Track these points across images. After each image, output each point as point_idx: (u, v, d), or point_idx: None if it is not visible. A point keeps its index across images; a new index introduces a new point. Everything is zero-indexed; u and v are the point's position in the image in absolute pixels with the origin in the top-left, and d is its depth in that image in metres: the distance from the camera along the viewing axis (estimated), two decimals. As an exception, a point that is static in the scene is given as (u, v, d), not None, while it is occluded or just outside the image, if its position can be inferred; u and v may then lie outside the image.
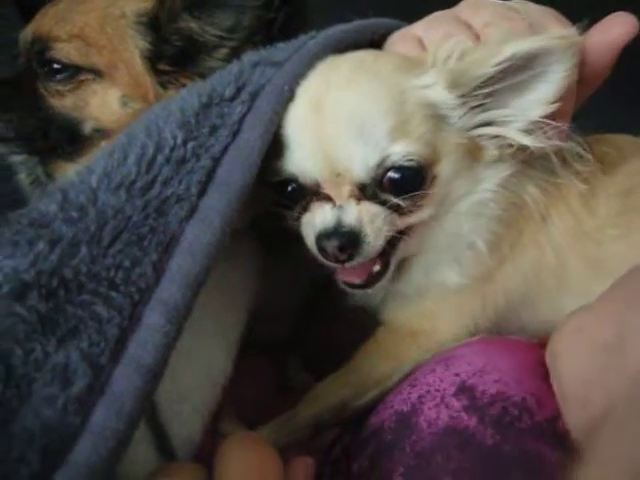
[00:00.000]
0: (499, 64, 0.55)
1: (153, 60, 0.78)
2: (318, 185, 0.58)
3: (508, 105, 0.59)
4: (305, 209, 0.60)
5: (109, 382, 0.40)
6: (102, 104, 0.79)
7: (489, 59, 0.55)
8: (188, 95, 0.55)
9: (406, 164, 0.56)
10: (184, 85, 0.77)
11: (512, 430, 0.53)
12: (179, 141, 0.50)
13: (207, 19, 0.76)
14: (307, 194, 0.60)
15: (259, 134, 0.52)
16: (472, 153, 0.60)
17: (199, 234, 0.47)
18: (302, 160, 0.58)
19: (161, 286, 0.44)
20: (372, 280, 0.62)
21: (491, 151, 0.61)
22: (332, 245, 0.57)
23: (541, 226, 0.65)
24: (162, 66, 0.78)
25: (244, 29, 0.76)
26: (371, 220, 0.57)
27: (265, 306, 0.70)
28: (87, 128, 0.80)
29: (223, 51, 0.77)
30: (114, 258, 0.45)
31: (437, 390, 0.58)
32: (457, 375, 0.58)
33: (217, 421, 0.61)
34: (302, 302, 0.83)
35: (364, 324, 0.71)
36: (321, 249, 0.58)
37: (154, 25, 0.78)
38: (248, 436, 0.56)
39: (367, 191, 0.58)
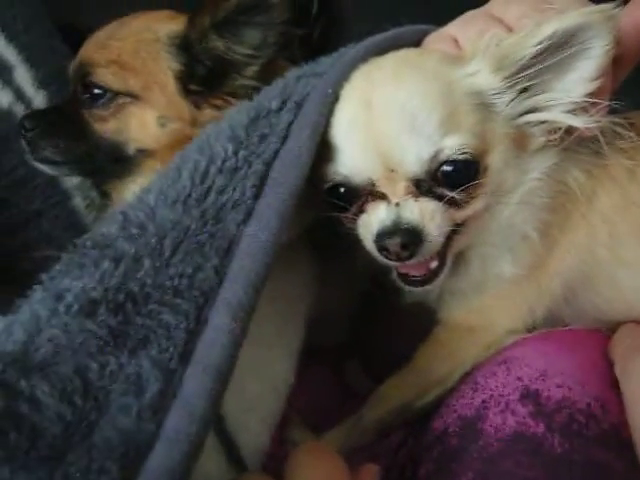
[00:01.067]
0: (540, 43, 0.56)
1: (185, 81, 0.81)
2: (372, 184, 0.59)
3: (551, 88, 0.59)
4: (361, 210, 0.61)
5: (180, 386, 0.42)
6: (141, 126, 0.82)
7: (530, 39, 0.56)
8: (237, 112, 0.57)
9: (460, 157, 0.57)
10: (216, 106, 0.81)
11: (580, 438, 0.53)
12: (230, 152, 0.52)
13: (234, 38, 0.79)
14: (361, 194, 0.60)
15: (307, 135, 0.54)
16: (519, 142, 0.61)
17: (257, 233, 0.48)
18: (354, 159, 0.59)
19: (224, 287, 0.46)
20: (431, 276, 0.62)
21: (538, 139, 0.61)
22: (394, 243, 0.57)
23: (589, 205, 0.65)
24: (193, 86, 0.81)
25: (271, 45, 0.78)
26: (432, 217, 0.57)
27: (322, 313, 0.71)
28: (131, 149, 0.83)
29: (252, 69, 0.79)
30: (177, 267, 0.47)
31: (501, 395, 0.58)
32: (520, 379, 0.58)
33: (283, 430, 0.62)
34: (357, 307, 0.83)
35: (420, 325, 0.71)
36: (382, 248, 0.58)
37: (185, 46, 0.81)
38: (316, 446, 0.57)
39: (422, 186, 0.58)
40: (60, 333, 0.44)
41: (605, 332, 0.67)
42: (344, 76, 0.59)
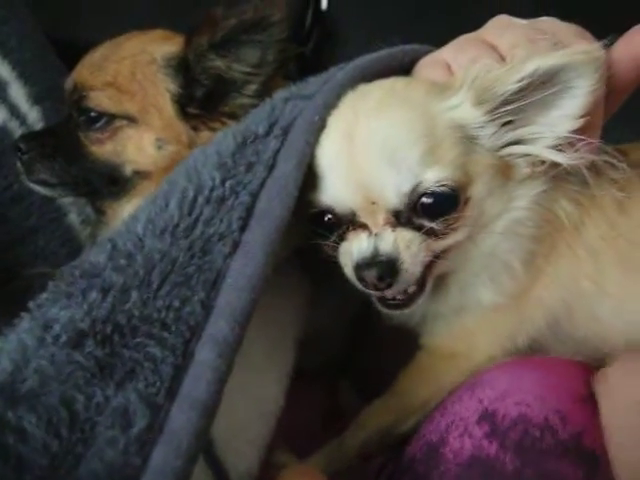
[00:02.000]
0: (521, 80, 0.56)
1: (183, 103, 0.82)
2: (354, 214, 0.60)
3: (535, 122, 0.59)
4: (342, 238, 0.62)
5: (167, 420, 0.42)
6: (138, 148, 0.82)
7: (512, 75, 0.56)
8: (224, 137, 0.57)
9: (439, 190, 0.57)
10: (214, 129, 0.81)
11: (533, 452, 0.53)
12: (217, 181, 0.53)
13: (233, 56, 0.79)
14: (343, 223, 0.61)
15: (293, 165, 0.54)
16: (504, 172, 0.61)
17: (243, 268, 0.49)
18: (337, 190, 0.60)
19: (210, 322, 0.47)
20: (408, 300, 0.63)
21: (522, 169, 0.62)
22: (371, 275, 0.58)
23: (575, 235, 0.66)
24: (192, 109, 0.82)
25: (271, 63, 0.78)
26: (407, 246, 0.58)
27: (312, 334, 0.72)
28: (127, 171, 0.83)
29: (252, 87, 0.80)
30: (164, 300, 0.47)
31: (461, 419, 0.58)
32: (480, 402, 0.59)
33: (269, 454, 0.63)
34: (349, 327, 0.84)
35: (409, 347, 0.72)
36: (360, 279, 0.59)
37: (183, 67, 0.81)
38: (303, 468, 0.57)
39: (402, 217, 0.59)
40: (47, 364, 0.44)
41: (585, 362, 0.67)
42: (331, 101, 0.59)
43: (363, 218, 0.60)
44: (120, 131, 0.82)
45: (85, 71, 0.84)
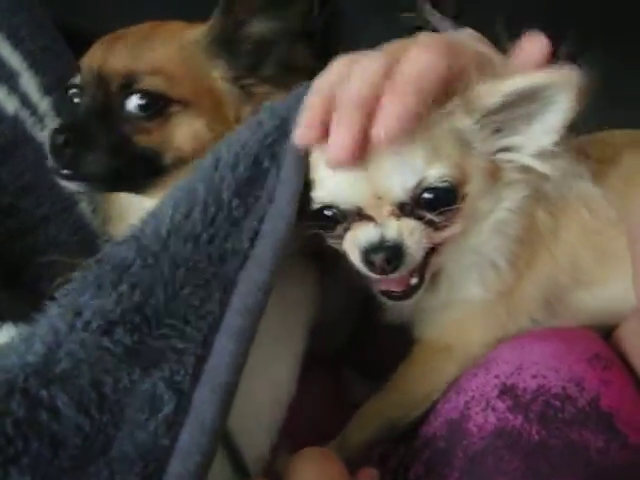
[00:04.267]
0: (506, 95, 0.64)
1: (230, 78, 0.84)
2: (359, 209, 0.66)
3: (520, 132, 0.67)
4: (347, 229, 0.68)
5: (191, 403, 0.48)
6: (188, 135, 0.82)
7: (497, 90, 0.64)
8: (235, 165, 0.62)
9: (441, 185, 0.65)
10: (263, 94, 0.83)
11: (556, 422, 0.58)
12: (234, 205, 0.59)
13: (276, 19, 0.82)
14: (348, 217, 0.67)
15: (287, 201, 0.61)
16: (494, 175, 0.69)
17: (253, 274, 0.56)
18: (343, 188, 0.66)
19: (226, 318, 0.53)
20: (410, 292, 0.69)
21: (510, 174, 0.69)
22: (380, 258, 0.64)
23: (553, 238, 0.73)
24: (241, 82, 0.83)
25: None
26: (411, 233, 0.65)
27: (322, 321, 0.76)
28: (168, 159, 0.83)
29: (298, 47, 0.83)
30: (185, 299, 0.53)
31: (482, 395, 0.63)
32: (497, 377, 0.64)
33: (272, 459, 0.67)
34: (355, 314, 0.88)
35: (407, 342, 0.78)
36: (368, 262, 0.65)
37: (225, 42, 0.83)
38: (318, 449, 0.61)
39: (405, 209, 0.65)
40: (78, 348, 0.49)
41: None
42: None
43: (368, 211, 0.66)
44: (173, 117, 0.82)
45: (123, 57, 0.82)
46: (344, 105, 0.60)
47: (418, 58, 0.61)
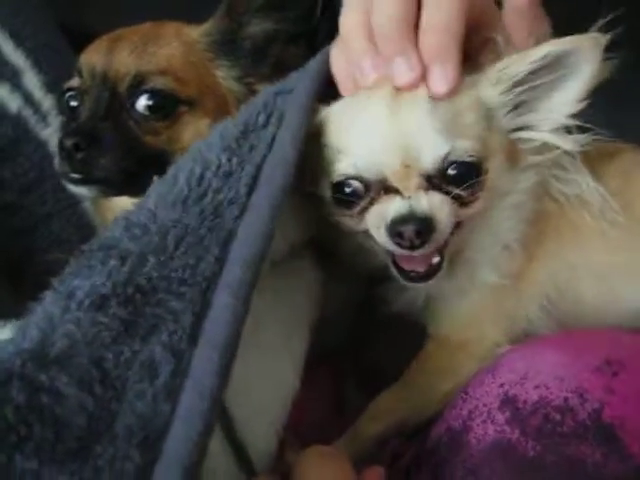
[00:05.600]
0: (533, 62, 0.64)
1: (235, 76, 0.85)
2: (385, 179, 0.65)
3: (541, 108, 0.68)
4: (370, 203, 0.67)
5: (190, 364, 0.47)
6: (195, 134, 0.82)
7: (525, 58, 0.65)
8: (224, 127, 0.63)
9: (467, 159, 0.65)
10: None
11: (553, 437, 0.56)
12: (224, 160, 0.59)
13: (277, 15, 0.84)
14: (371, 190, 0.67)
15: (289, 137, 0.61)
16: (512, 155, 0.69)
17: (251, 224, 0.54)
18: (373, 154, 0.65)
19: (224, 272, 0.52)
20: (432, 271, 0.68)
21: (527, 156, 0.70)
22: (410, 229, 0.63)
23: (561, 219, 0.74)
24: (245, 79, 0.85)
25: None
26: (441, 207, 0.64)
27: (322, 317, 0.76)
28: (175, 159, 0.82)
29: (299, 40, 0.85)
30: (180, 260, 0.52)
31: (484, 405, 0.62)
32: (501, 386, 0.63)
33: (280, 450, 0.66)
34: (353, 309, 0.88)
35: (411, 343, 0.77)
36: (397, 235, 0.64)
37: (227, 40, 0.85)
38: (324, 448, 0.61)
39: (433, 182, 0.65)
40: (74, 327, 0.48)
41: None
42: (311, 86, 0.66)
43: (395, 183, 0.65)
44: (181, 117, 0.83)
45: (129, 58, 0.83)
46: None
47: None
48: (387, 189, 0.65)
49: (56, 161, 0.84)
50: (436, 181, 0.64)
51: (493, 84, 0.66)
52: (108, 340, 0.47)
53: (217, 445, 0.48)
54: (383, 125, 0.65)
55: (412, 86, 0.65)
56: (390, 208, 0.64)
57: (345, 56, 0.69)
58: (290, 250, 0.69)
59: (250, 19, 0.84)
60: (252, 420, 0.61)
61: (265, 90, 0.68)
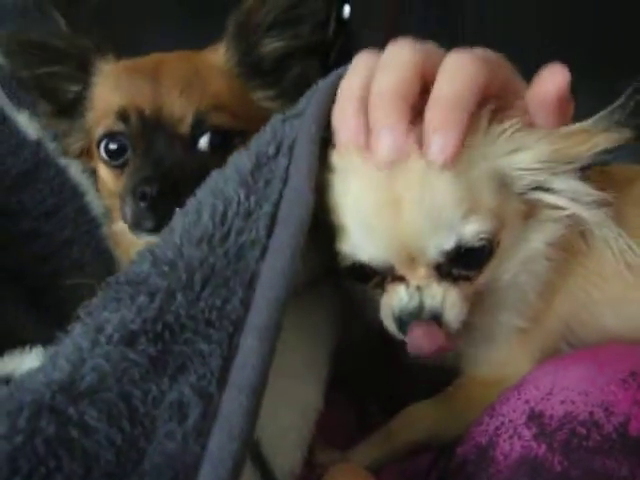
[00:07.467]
0: (580, 160, 0.61)
1: (272, 96, 0.87)
2: (392, 268, 0.65)
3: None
4: (378, 286, 0.67)
5: (219, 407, 0.48)
6: None
7: (582, 146, 0.61)
8: (238, 159, 0.65)
9: (477, 244, 0.63)
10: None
11: (579, 452, 0.57)
12: (242, 197, 0.60)
13: (289, 33, 0.85)
14: (378, 274, 0.67)
15: (304, 176, 0.61)
16: (528, 215, 0.67)
17: (273, 265, 0.55)
18: (376, 249, 0.64)
19: (250, 315, 0.53)
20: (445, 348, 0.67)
21: (545, 211, 0.67)
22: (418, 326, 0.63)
23: (586, 253, 0.73)
24: (284, 98, 0.87)
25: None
26: (453, 305, 0.64)
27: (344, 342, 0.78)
28: None
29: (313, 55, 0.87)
30: (206, 301, 0.54)
31: (511, 421, 0.63)
32: (527, 402, 0.64)
33: (310, 455, 0.68)
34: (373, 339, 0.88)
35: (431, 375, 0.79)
36: (403, 330, 0.64)
37: (248, 64, 0.87)
38: (349, 466, 0.62)
39: (442, 270, 0.64)
40: (103, 362, 0.50)
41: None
42: (319, 110, 0.66)
43: (401, 271, 0.65)
44: (236, 149, 0.81)
45: (181, 98, 0.83)
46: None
47: (457, 72, 0.61)
48: (394, 276, 0.65)
49: (127, 211, 0.84)
50: (446, 268, 0.64)
51: (512, 152, 0.62)
52: (137, 377, 0.49)
53: (246, 470, 0.49)
54: (382, 224, 0.62)
55: (389, 164, 0.60)
56: (395, 301, 0.64)
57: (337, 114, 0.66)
58: (312, 279, 0.71)
59: (262, 38, 0.85)
60: (279, 442, 0.62)
61: (273, 117, 0.68)
